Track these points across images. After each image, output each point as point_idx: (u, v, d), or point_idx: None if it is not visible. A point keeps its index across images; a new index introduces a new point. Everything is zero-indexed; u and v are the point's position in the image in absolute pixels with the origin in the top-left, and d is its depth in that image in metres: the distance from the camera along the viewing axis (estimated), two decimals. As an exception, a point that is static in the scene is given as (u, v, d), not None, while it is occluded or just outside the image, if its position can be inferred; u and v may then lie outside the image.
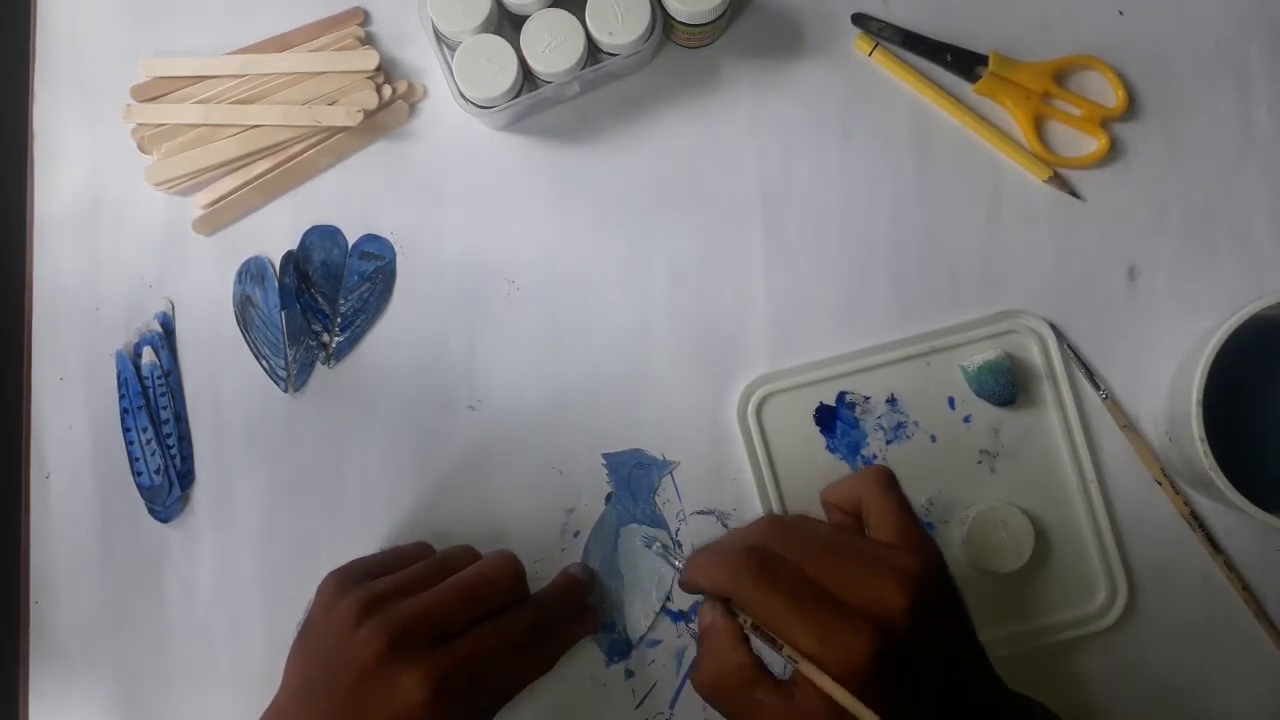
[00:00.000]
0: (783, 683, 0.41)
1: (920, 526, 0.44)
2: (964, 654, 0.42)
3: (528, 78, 0.57)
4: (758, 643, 0.42)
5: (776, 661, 0.41)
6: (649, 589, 0.57)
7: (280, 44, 0.61)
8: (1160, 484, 0.57)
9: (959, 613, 0.43)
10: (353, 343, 0.60)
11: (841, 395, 0.58)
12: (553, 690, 0.57)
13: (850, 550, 0.42)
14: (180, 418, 0.59)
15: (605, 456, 0.58)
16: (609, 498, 0.58)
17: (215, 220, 0.60)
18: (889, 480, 0.45)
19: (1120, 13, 0.60)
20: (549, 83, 0.57)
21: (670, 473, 0.58)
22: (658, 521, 0.58)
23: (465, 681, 0.46)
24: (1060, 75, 0.60)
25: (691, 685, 0.44)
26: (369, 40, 0.61)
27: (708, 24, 0.57)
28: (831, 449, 0.58)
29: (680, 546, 0.58)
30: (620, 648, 0.57)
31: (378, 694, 0.45)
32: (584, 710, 0.57)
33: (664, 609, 0.57)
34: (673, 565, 0.56)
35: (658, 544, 0.57)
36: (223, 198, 0.60)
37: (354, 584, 0.49)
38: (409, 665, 0.45)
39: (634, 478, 0.58)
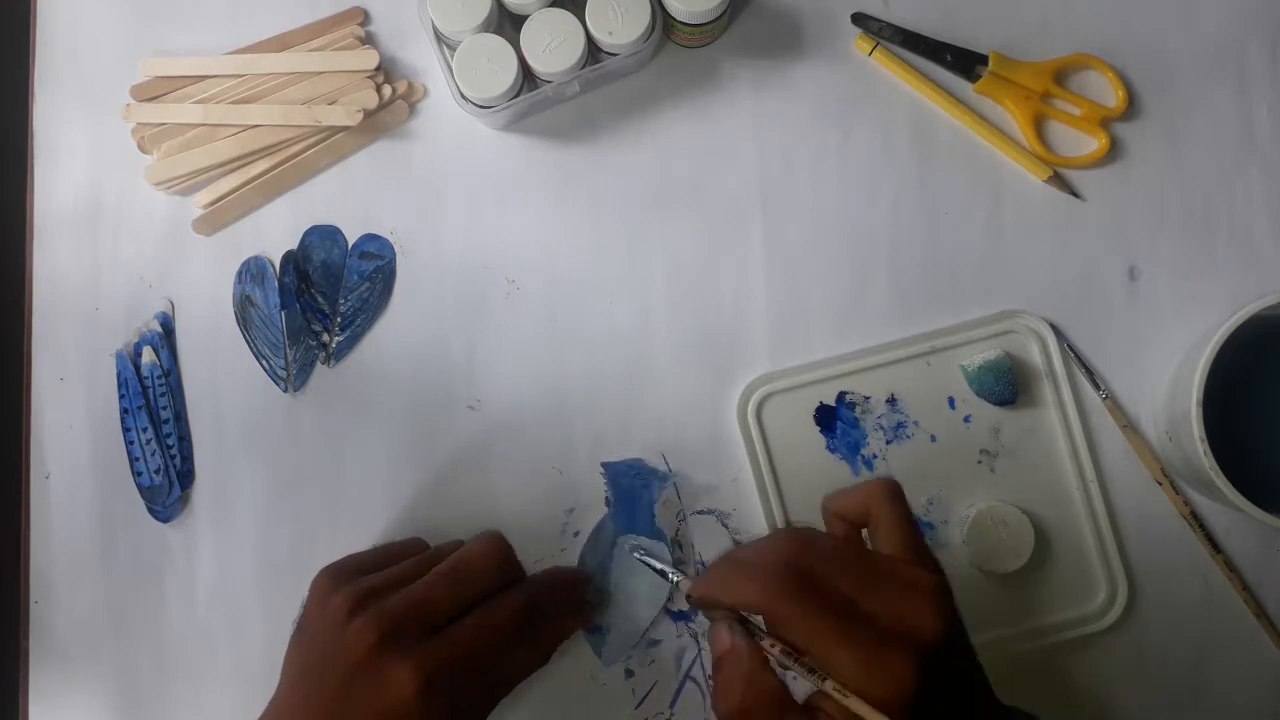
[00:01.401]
0: (810, 709, 0.39)
1: (926, 544, 0.43)
2: (973, 670, 0.42)
3: (528, 78, 0.57)
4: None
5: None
6: (648, 594, 0.57)
7: (280, 43, 0.61)
8: (1160, 484, 0.57)
9: (965, 631, 0.42)
10: (353, 343, 0.60)
11: (841, 395, 0.58)
12: (552, 689, 0.57)
13: (880, 569, 0.40)
14: (180, 417, 0.59)
15: (605, 466, 0.58)
16: (609, 499, 0.58)
17: (215, 220, 0.60)
18: (898, 494, 0.44)
19: None
20: (549, 83, 0.57)
21: (667, 486, 0.58)
22: (657, 534, 0.57)
23: (458, 672, 0.46)
24: (1060, 75, 0.60)
25: (714, 712, 0.42)
26: (369, 40, 0.61)
27: (708, 24, 0.57)
28: (831, 449, 0.58)
29: (681, 548, 0.58)
30: (614, 652, 0.57)
31: (369, 688, 0.45)
32: (584, 710, 0.57)
33: (664, 609, 0.57)
34: (664, 576, 0.53)
35: (641, 552, 0.55)
36: (222, 197, 0.60)
37: (346, 580, 0.49)
38: (399, 658, 0.45)
39: (634, 489, 0.58)
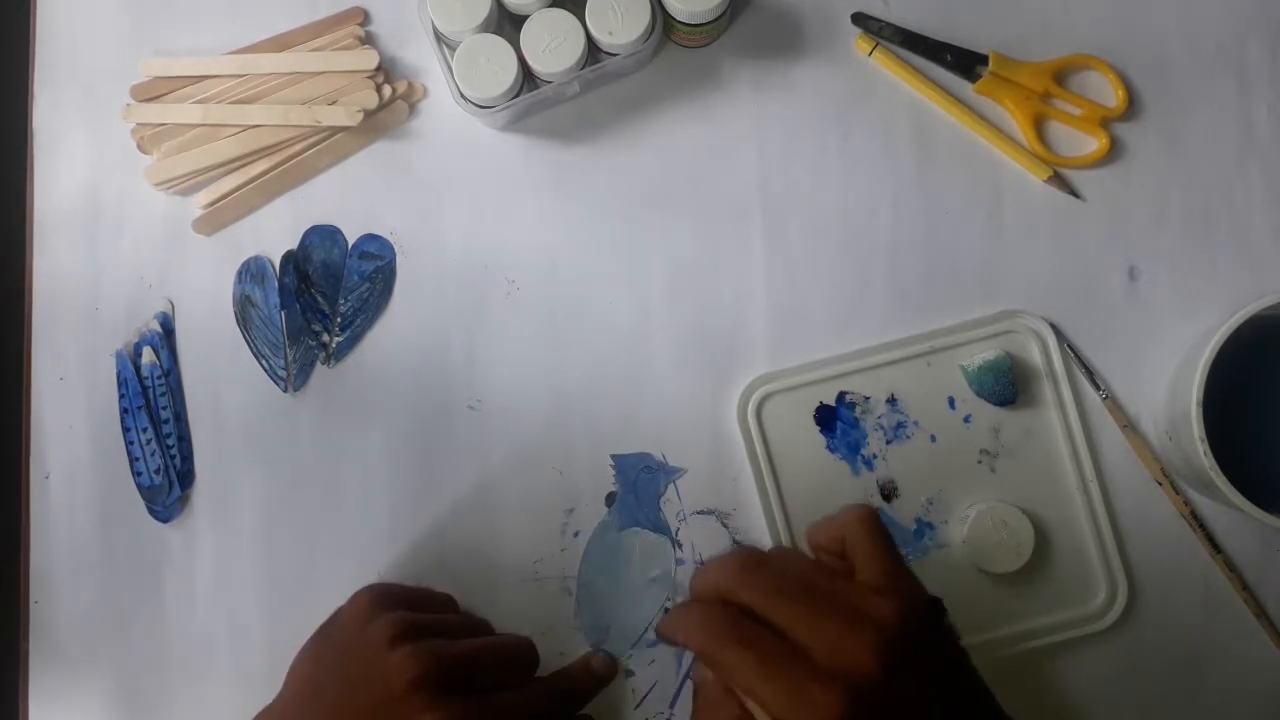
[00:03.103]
0: None
1: (905, 567, 0.42)
2: (955, 694, 0.40)
3: (528, 78, 0.57)
4: None
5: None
6: (648, 593, 0.57)
7: (280, 43, 0.61)
8: (1160, 484, 0.57)
9: (947, 654, 0.41)
10: (352, 343, 0.60)
11: (841, 395, 0.58)
12: (553, 690, 0.57)
13: (825, 599, 0.39)
14: (180, 417, 0.59)
15: (614, 458, 0.58)
16: (609, 498, 0.58)
17: (215, 220, 0.60)
18: (872, 520, 0.43)
19: None
20: (549, 83, 0.57)
21: (676, 480, 0.58)
22: (661, 527, 0.58)
23: None
24: (1060, 75, 0.60)
25: None
26: (369, 40, 0.61)
27: (708, 24, 0.57)
28: (831, 449, 0.58)
29: (680, 546, 0.58)
30: (615, 652, 0.57)
31: None
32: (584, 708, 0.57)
33: (664, 609, 0.57)
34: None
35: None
36: (222, 197, 0.60)
37: (392, 607, 0.49)
38: (435, 704, 0.44)
39: (640, 481, 0.58)
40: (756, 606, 0.40)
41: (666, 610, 0.57)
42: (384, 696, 0.44)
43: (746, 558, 0.41)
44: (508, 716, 0.47)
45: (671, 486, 0.58)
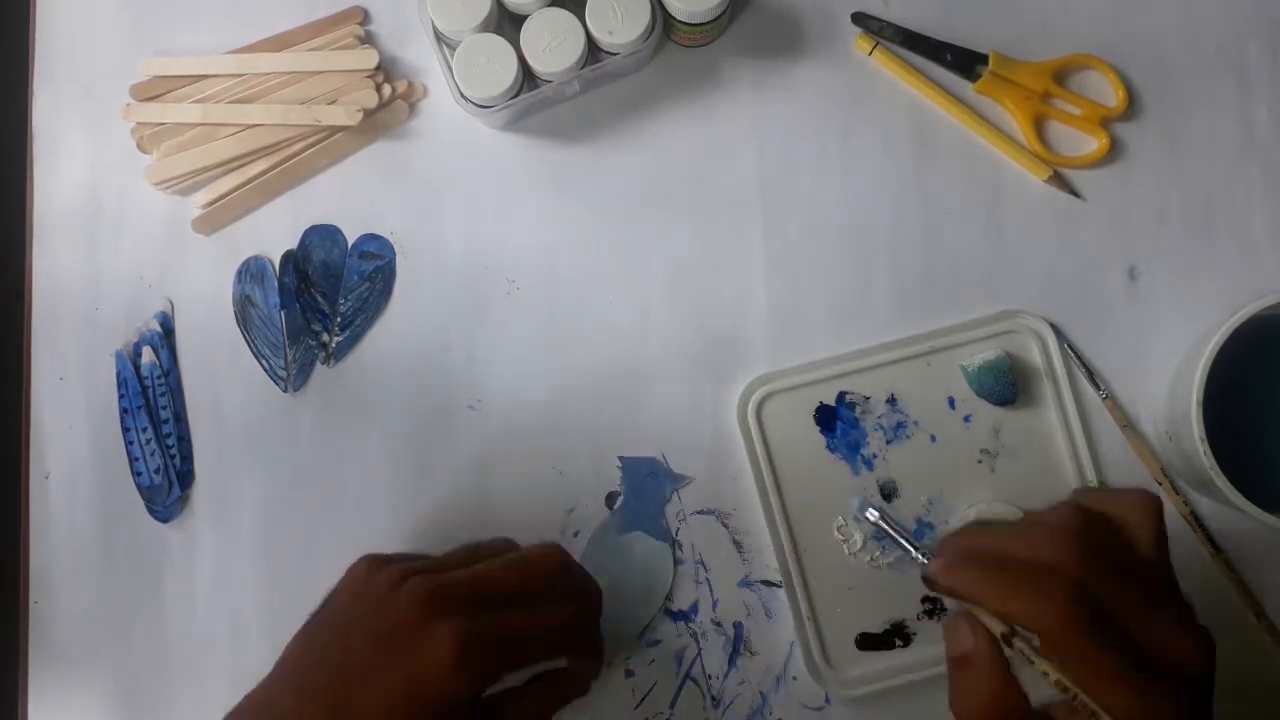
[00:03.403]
0: None
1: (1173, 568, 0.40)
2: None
3: (528, 77, 0.57)
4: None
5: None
6: (649, 592, 0.57)
7: (280, 43, 0.61)
8: (1160, 484, 0.57)
9: None
10: (352, 343, 0.60)
11: (841, 395, 0.58)
12: (553, 690, 0.57)
13: (1156, 591, 0.39)
14: (180, 417, 0.59)
15: (621, 459, 0.58)
16: (609, 498, 0.58)
17: (214, 220, 0.60)
18: (1159, 513, 0.40)
19: None
20: (549, 82, 0.57)
21: (680, 488, 0.58)
22: (662, 532, 0.58)
23: (501, 652, 0.44)
24: (1060, 75, 0.60)
25: (951, 712, 0.41)
26: (368, 39, 0.61)
27: (708, 23, 0.57)
28: (831, 449, 0.58)
29: (680, 548, 0.58)
30: (614, 652, 0.57)
31: (406, 645, 0.43)
32: (584, 709, 0.57)
33: (664, 609, 0.57)
34: (913, 554, 0.49)
35: (874, 513, 0.52)
36: (222, 197, 0.60)
37: (391, 562, 0.48)
38: (445, 617, 0.42)
39: (646, 486, 0.58)
40: (1104, 591, 0.38)
41: (668, 610, 0.57)
42: (394, 624, 0.43)
43: (1080, 532, 0.39)
44: (522, 628, 0.45)
45: (681, 490, 0.58)
